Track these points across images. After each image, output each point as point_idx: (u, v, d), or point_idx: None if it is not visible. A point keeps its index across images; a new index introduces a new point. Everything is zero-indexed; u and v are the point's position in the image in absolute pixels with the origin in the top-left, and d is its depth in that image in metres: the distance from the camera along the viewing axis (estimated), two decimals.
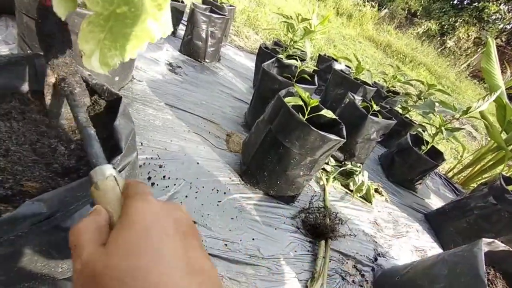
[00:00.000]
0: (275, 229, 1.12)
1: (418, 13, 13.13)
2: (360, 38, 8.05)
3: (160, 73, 1.75)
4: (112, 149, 0.77)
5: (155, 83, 1.62)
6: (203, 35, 2.07)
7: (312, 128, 0.98)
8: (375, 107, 1.76)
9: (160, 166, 1.10)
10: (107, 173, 0.30)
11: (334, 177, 1.65)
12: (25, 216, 0.48)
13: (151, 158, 1.12)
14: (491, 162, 2.14)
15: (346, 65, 2.91)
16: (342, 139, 1.06)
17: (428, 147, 1.86)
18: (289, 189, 1.20)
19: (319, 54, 2.89)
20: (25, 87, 0.75)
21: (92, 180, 0.31)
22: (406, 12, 13.48)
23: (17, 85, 0.72)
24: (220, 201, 1.09)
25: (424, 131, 2.30)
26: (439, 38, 11.21)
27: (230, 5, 2.55)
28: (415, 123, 2.28)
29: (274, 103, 1.09)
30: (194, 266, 0.20)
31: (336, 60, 2.82)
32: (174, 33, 2.41)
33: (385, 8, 12.03)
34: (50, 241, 0.57)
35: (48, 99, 0.59)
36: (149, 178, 1.03)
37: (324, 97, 2.35)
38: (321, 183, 1.55)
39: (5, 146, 0.61)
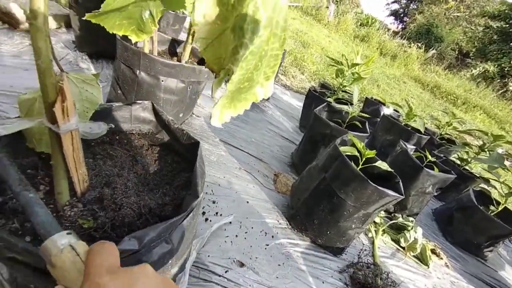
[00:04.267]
0: (323, 282, 1.06)
1: (471, 54, 12.50)
2: (405, 78, 7.86)
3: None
4: (183, 187, 0.84)
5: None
6: None
7: (370, 182, 0.96)
8: (430, 158, 1.66)
9: (214, 202, 1.15)
10: (61, 244, 0.24)
11: (383, 230, 1.54)
12: (123, 251, 0.54)
13: (206, 193, 1.19)
14: None
15: (394, 109, 2.84)
16: (400, 196, 1.01)
17: (500, 208, 1.65)
18: (339, 240, 1.15)
19: (366, 97, 2.88)
20: (123, 128, 0.88)
21: (46, 257, 0.24)
22: (456, 52, 12.94)
23: (119, 126, 0.86)
24: (268, 245, 1.09)
25: (489, 186, 2.06)
26: (499, 80, 10.36)
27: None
28: (476, 176, 2.06)
29: (330, 152, 1.10)
30: None
31: (384, 104, 2.77)
32: None
33: (432, 49, 11.71)
34: None
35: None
36: (204, 213, 1.08)
37: (371, 142, 2.29)
38: (370, 235, 1.46)
39: (107, 178, 0.71)
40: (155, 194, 0.77)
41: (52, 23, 1.82)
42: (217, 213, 1.11)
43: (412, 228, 1.53)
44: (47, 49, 0.39)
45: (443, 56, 12.22)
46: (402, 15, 17.25)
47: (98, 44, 1.65)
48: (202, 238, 0.98)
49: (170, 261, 0.75)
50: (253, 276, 0.95)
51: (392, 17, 18.18)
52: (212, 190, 1.21)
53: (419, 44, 11.04)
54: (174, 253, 0.72)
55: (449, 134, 2.68)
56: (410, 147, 1.77)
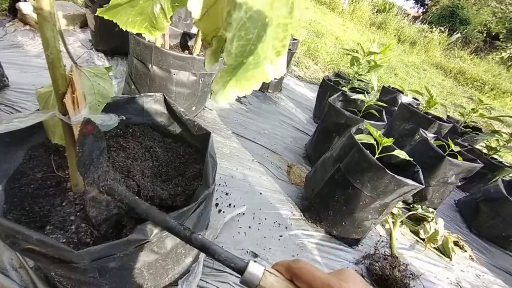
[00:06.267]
0: None
1: (500, 36, 11.60)
2: (425, 65, 7.45)
3: (227, 103, 1.91)
4: (195, 178, 0.85)
5: (223, 112, 1.77)
6: None
7: (387, 171, 0.92)
8: (453, 147, 1.57)
9: (227, 194, 1.16)
10: (259, 271, 0.28)
11: (401, 221, 1.48)
12: (135, 240, 0.56)
13: (219, 184, 1.20)
14: None
15: (413, 98, 2.71)
16: (420, 185, 0.96)
17: None
18: (355, 231, 1.12)
19: (383, 86, 2.76)
20: (136, 120, 0.90)
21: (253, 285, 0.28)
22: (484, 35, 12.07)
23: (132, 119, 0.88)
24: (281, 236, 1.08)
25: None
26: None
27: (294, 39, 2.68)
28: (506, 165, 1.93)
29: (345, 141, 1.07)
30: None
31: (402, 92, 2.65)
32: None
33: (457, 33, 10.96)
34: (144, 260, 0.65)
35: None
36: (217, 204, 1.09)
37: (388, 132, 2.20)
38: (387, 226, 1.41)
39: (121, 170, 0.73)
40: (167, 185, 0.78)
41: (70, 23, 1.88)
42: (230, 204, 1.11)
43: (432, 219, 1.47)
44: (55, 39, 0.39)
45: (469, 40, 11.42)
46: None
47: (113, 42, 1.69)
48: (215, 229, 0.99)
49: (183, 251, 0.76)
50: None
51: (412, 1, 17.23)
52: (225, 182, 1.21)
53: (442, 28, 10.37)
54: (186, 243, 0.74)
55: (474, 122, 2.52)
56: (431, 136, 1.68)
